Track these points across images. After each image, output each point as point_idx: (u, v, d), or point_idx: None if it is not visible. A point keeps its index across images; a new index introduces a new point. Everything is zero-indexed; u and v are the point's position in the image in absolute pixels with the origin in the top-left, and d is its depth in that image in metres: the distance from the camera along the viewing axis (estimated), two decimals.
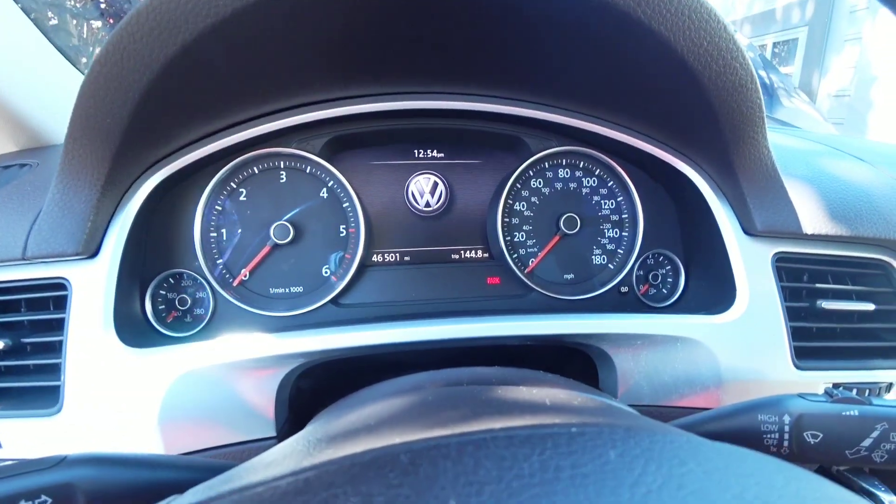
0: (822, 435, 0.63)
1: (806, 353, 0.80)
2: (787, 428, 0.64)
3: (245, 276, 0.86)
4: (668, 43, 0.63)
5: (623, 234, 0.95)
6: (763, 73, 2.11)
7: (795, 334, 0.80)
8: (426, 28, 0.67)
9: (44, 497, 0.49)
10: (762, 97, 0.71)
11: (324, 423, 0.47)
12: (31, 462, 0.51)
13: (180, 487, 0.55)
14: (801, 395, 0.67)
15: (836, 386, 0.81)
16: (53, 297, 0.73)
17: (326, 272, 0.89)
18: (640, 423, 0.38)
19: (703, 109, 0.72)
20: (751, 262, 0.81)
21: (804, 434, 0.63)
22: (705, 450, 0.32)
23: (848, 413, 0.63)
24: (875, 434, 0.62)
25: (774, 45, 8.65)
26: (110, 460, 0.53)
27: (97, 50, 0.62)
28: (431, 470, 0.28)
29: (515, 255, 0.93)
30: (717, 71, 0.66)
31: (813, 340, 0.81)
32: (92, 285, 0.72)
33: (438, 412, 0.41)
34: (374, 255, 0.92)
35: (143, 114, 0.65)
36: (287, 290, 0.88)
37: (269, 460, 0.39)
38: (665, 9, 0.59)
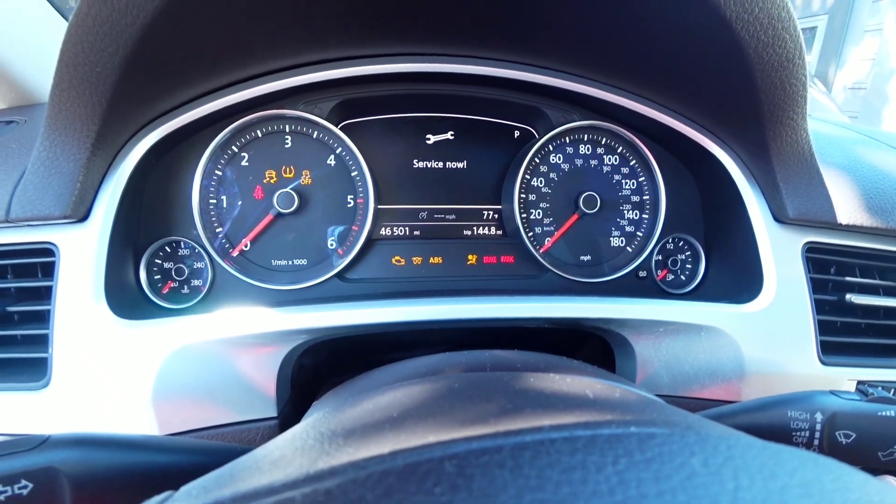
0: (854, 435, 0.60)
1: (831, 347, 0.76)
2: (818, 426, 0.60)
3: (246, 247, 0.81)
4: (716, 7, 0.57)
5: (644, 216, 0.90)
6: None
7: (821, 328, 0.76)
8: None
9: (24, 482, 0.44)
10: (807, 74, 0.66)
11: (335, 409, 0.42)
12: (11, 443, 0.46)
13: (173, 471, 0.50)
14: (833, 393, 0.63)
15: (860, 383, 0.77)
16: (40, 263, 0.68)
17: (332, 245, 0.83)
18: (702, 425, 0.33)
19: (743, 84, 0.67)
20: (780, 251, 0.76)
21: (836, 433, 0.60)
22: (786, 457, 0.28)
23: (884, 413, 0.59)
24: None
25: None
26: (97, 441, 0.49)
27: None
28: (487, 485, 0.23)
29: (531, 234, 0.88)
30: (766, 42, 0.61)
31: (838, 335, 0.78)
32: (81, 251, 0.66)
33: (471, 403, 0.36)
34: (383, 229, 0.87)
35: (137, 64, 0.58)
36: (290, 263, 0.82)
37: (277, 456, 0.34)
38: None
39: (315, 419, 0.40)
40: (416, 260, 0.86)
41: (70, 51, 0.56)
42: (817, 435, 0.60)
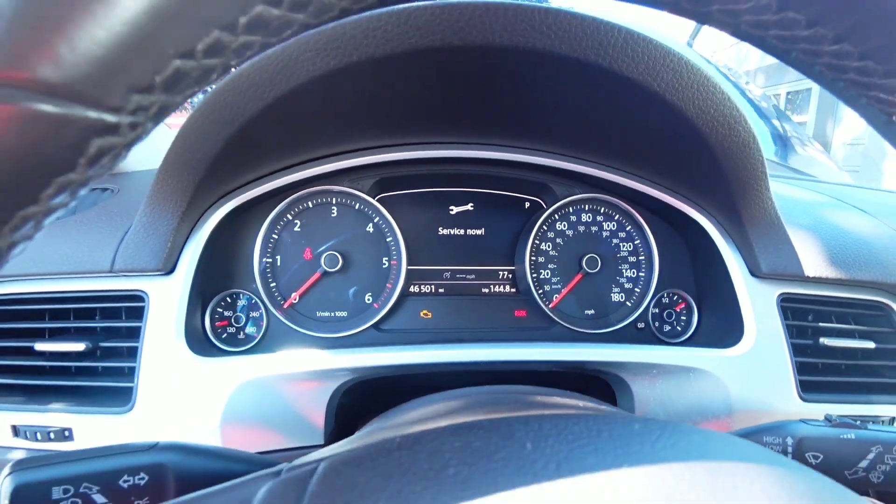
0: (822, 456, 0.70)
1: (811, 386, 0.88)
2: (790, 449, 0.71)
3: (295, 300, 0.97)
4: (680, 110, 0.75)
5: (640, 274, 1.05)
6: (777, 123, 2.19)
7: (801, 369, 0.88)
8: (472, 94, 0.81)
9: (142, 474, 0.57)
10: (763, 154, 0.82)
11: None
12: (128, 445, 0.60)
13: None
14: (803, 421, 0.74)
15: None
16: (132, 307, 0.84)
17: (369, 299, 0.99)
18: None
19: (712, 165, 0.84)
20: (757, 302, 0.90)
21: (806, 455, 0.71)
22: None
23: (845, 436, 0.70)
24: (871, 456, 0.69)
25: (788, 94, 8.96)
26: (194, 450, 0.62)
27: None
28: (505, 441, 0.37)
29: (541, 291, 1.03)
30: (723, 133, 0.78)
31: (818, 375, 0.89)
32: (167, 298, 0.83)
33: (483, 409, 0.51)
34: (413, 286, 1.02)
35: (224, 156, 0.77)
36: (333, 315, 0.98)
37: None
38: (677, 82, 0.71)
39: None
40: (442, 314, 1.01)
41: (179, 145, 0.75)
42: (789, 457, 0.71)
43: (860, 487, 0.71)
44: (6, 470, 0.53)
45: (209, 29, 0.20)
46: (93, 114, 0.20)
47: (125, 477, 0.56)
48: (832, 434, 0.71)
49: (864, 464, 0.70)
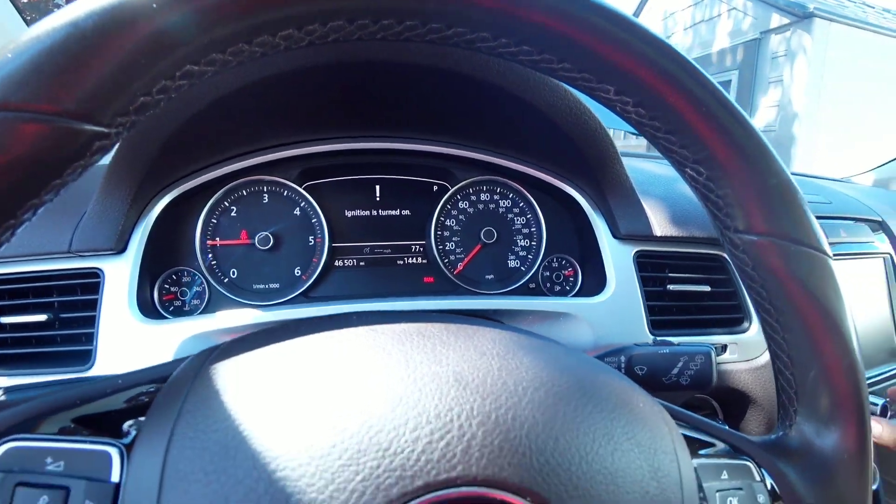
0: (646, 368, 0.96)
1: (659, 324, 1.13)
2: (622, 365, 0.97)
3: (233, 274, 1.17)
4: (534, 106, 0.99)
5: (532, 242, 1.29)
6: None
7: (652, 310, 1.14)
8: (381, 96, 1.03)
9: None
10: (610, 137, 1.08)
11: None
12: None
13: None
14: (635, 344, 1.00)
15: None
16: (89, 283, 1.03)
17: (298, 272, 1.20)
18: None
19: (571, 149, 1.08)
20: (617, 258, 1.15)
21: (634, 368, 0.96)
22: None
23: (661, 351, 0.96)
24: (679, 365, 0.95)
25: None
26: None
27: None
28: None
29: (446, 260, 1.26)
30: (573, 122, 1.03)
31: (666, 315, 1.16)
32: (120, 274, 1.02)
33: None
34: (336, 260, 1.24)
35: (167, 147, 0.97)
36: (266, 286, 1.18)
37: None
38: (525, 83, 0.95)
39: None
40: (362, 283, 1.24)
41: (126, 143, 0.95)
42: (622, 371, 0.96)
43: (675, 389, 0.97)
44: None
45: (159, 80, 0.41)
46: (94, 127, 0.41)
47: None
48: (652, 350, 0.97)
49: (675, 371, 0.95)
